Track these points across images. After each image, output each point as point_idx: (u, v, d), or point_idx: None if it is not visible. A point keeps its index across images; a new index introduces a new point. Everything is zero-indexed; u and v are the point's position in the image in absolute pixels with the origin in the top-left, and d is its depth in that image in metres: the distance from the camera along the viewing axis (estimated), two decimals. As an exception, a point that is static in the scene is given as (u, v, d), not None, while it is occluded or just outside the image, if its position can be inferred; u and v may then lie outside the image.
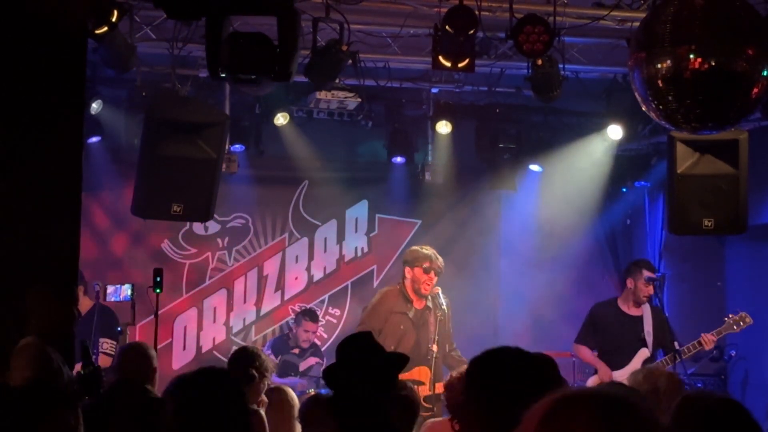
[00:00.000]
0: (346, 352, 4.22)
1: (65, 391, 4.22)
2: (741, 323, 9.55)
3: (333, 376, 4.21)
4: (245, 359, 6.33)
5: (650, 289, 9.63)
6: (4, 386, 4.28)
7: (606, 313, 9.81)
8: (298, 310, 11.46)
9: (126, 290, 8.92)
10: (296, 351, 10.80)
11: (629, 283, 9.78)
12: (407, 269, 9.28)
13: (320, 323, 11.55)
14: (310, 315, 11.08)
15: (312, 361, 10.80)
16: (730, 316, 9.57)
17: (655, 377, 5.69)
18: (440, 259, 9.30)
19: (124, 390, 6.18)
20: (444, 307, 9.19)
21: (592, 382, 9.47)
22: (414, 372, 8.73)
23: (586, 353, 9.74)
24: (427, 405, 8.51)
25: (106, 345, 9.32)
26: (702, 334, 9.39)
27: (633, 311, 9.69)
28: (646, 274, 9.70)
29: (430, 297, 9.20)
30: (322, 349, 11.27)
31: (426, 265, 9.19)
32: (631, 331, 9.58)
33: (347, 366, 4.17)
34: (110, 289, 8.96)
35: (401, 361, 4.35)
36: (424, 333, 9.09)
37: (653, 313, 9.65)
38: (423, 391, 8.61)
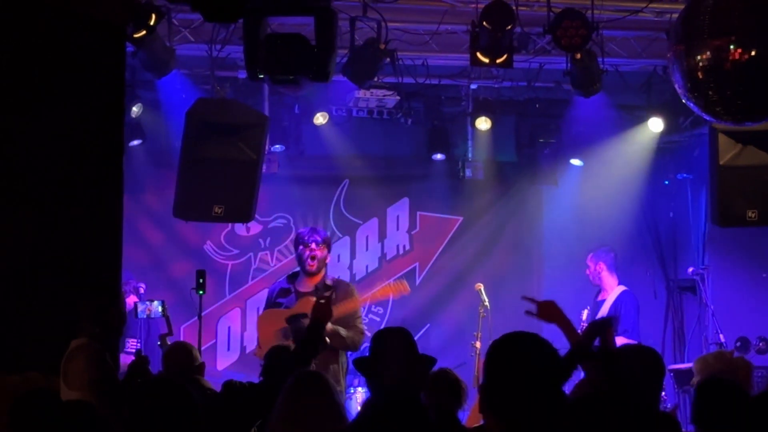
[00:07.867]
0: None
1: (104, 415, 4.25)
2: None
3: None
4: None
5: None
6: (50, 395, 4.30)
7: None
8: None
9: (156, 307, 8.68)
10: None
11: None
12: None
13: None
14: None
15: None
16: None
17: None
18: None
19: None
20: (486, 303, 9.24)
21: None
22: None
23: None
24: None
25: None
26: None
27: (599, 296, 10.20)
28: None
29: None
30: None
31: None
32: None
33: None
34: (140, 307, 8.72)
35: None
36: None
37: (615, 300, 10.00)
38: None
